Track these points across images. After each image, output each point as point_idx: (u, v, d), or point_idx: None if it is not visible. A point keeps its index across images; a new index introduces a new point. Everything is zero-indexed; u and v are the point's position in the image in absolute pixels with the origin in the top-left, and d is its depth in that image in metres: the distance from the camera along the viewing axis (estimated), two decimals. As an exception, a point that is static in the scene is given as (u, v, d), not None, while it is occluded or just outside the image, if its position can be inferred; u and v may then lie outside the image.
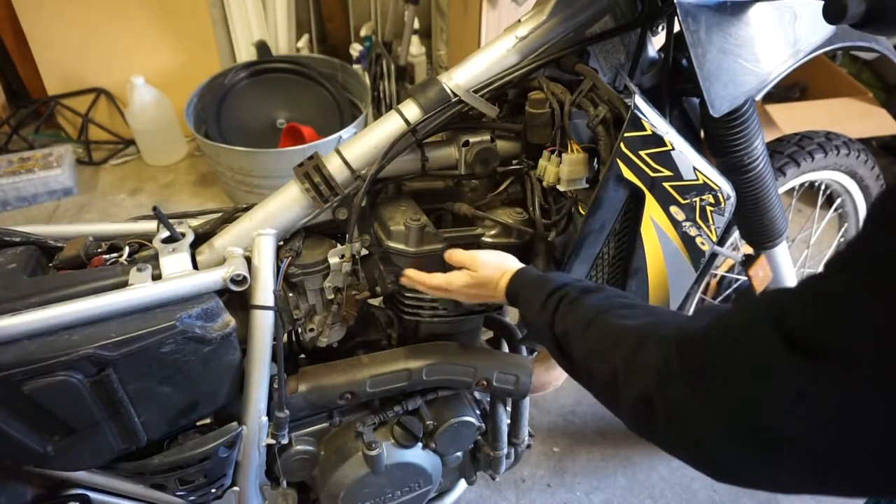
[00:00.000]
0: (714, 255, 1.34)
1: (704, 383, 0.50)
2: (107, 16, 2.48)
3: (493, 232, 0.99)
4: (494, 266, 0.90)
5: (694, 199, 0.90)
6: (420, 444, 1.11)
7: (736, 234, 1.36)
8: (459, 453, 1.20)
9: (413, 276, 0.94)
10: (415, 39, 2.62)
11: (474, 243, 1.00)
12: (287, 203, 0.94)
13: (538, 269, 1.02)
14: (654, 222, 0.90)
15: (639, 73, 1.02)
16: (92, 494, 0.93)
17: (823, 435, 0.42)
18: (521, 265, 0.90)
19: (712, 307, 0.67)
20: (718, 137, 1.03)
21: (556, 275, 0.81)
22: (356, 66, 2.70)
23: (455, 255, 0.94)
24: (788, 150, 1.34)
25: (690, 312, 1.49)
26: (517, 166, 1.01)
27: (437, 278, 0.93)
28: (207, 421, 1.00)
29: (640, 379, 0.56)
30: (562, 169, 0.91)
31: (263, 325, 0.91)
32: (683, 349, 0.53)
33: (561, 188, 0.92)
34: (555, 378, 1.14)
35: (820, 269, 1.70)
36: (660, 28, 0.99)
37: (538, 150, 0.96)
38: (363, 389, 1.02)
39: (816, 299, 0.44)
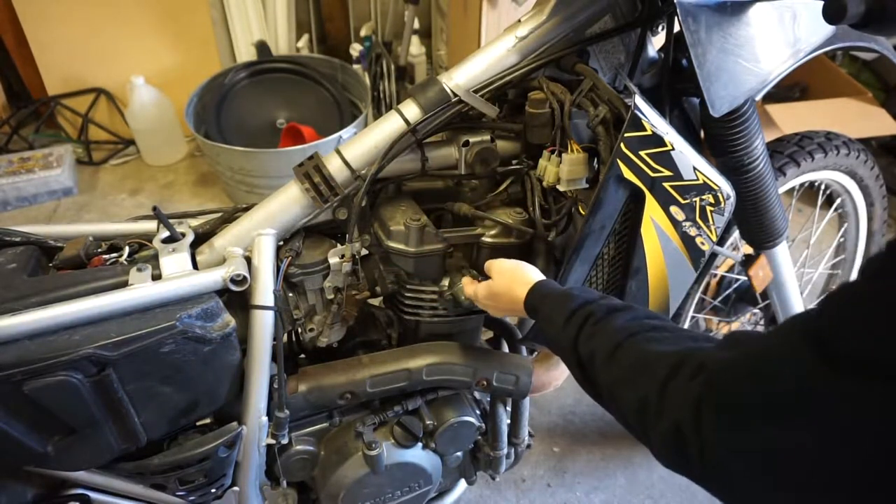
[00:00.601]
0: (714, 255, 1.34)
1: (740, 419, 0.47)
2: (107, 16, 2.48)
3: (493, 232, 0.99)
4: (509, 276, 0.87)
5: (694, 199, 0.90)
6: (420, 444, 1.11)
7: (736, 234, 1.36)
8: (459, 453, 1.20)
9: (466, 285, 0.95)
10: (415, 39, 2.62)
11: (474, 243, 1.01)
12: (287, 203, 0.94)
13: (538, 269, 1.02)
14: (654, 222, 0.90)
15: (639, 73, 1.02)
16: (92, 494, 0.93)
17: (880, 462, 0.38)
18: (539, 277, 0.86)
19: (743, 332, 0.65)
20: (718, 137, 1.03)
21: (578, 290, 0.78)
22: (356, 66, 2.70)
23: (488, 263, 0.93)
24: (788, 150, 1.34)
25: (690, 313, 1.49)
26: (517, 166, 1.01)
27: (469, 288, 0.94)
28: (207, 421, 1.00)
29: (673, 410, 0.54)
30: (562, 169, 0.91)
31: (263, 325, 0.91)
32: (717, 382, 0.51)
33: (561, 188, 0.92)
34: (555, 378, 1.14)
35: (820, 269, 1.70)
36: (660, 28, 0.99)
37: (538, 150, 0.96)
38: (363, 389, 1.02)
39: (856, 309, 0.41)
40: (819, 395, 0.41)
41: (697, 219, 0.92)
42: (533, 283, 0.83)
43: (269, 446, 1.01)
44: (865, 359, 0.39)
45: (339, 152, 0.93)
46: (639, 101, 0.83)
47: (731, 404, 0.49)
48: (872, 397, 0.38)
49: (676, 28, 0.94)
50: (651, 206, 0.89)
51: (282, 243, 0.97)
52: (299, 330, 1.03)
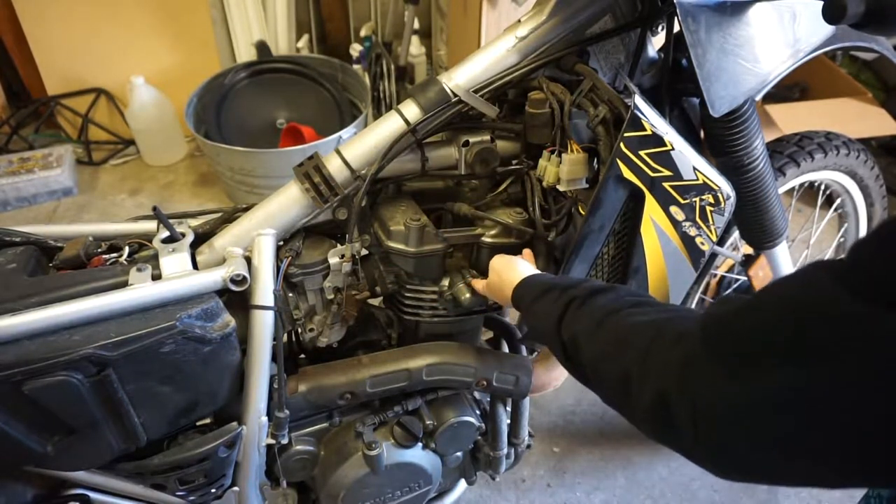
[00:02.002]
0: (714, 255, 1.34)
1: (742, 360, 0.44)
2: (107, 16, 2.48)
3: (493, 232, 0.99)
4: (498, 272, 0.88)
5: (694, 199, 0.90)
6: (420, 444, 1.11)
7: (736, 234, 1.36)
8: (459, 453, 1.20)
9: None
10: (415, 39, 2.63)
11: (474, 243, 1.01)
12: (287, 203, 0.94)
13: (538, 268, 1.02)
14: (654, 222, 0.90)
15: (639, 73, 1.02)
16: (92, 494, 0.93)
17: None
18: (529, 272, 0.86)
19: (732, 295, 0.63)
20: (718, 137, 1.03)
21: (561, 279, 0.78)
22: (356, 66, 2.70)
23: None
24: (788, 150, 1.34)
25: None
26: (517, 166, 1.01)
27: (477, 285, 0.96)
28: (207, 421, 1.00)
29: (657, 377, 0.53)
30: (562, 169, 0.91)
31: (263, 325, 0.91)
32: (712, 331, 0.49)
33: (561, 188, 0.92)
34: (555, 378, 1.14)
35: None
36: (660, 28, 0.99)
37: (538, 150, 0.96)
38: (363, 389, 1.02)
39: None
40: (856, 329, 0.38)
41: (697, 219, 0.92)
42: (520, 280, 0.84)
43: (269, 446, 1.01)
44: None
45: (339, 152, 0.93)
46: (639, 101, 0.83)
47: (727, 348, 0.47)
48: None
49: (676, 28, 0.94)
50: (651, 206, 0.89)
51: (282, 243, 0.97)
52: (299, 330, 1.03)
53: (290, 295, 0.99)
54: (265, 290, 0.90)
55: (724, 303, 0.54)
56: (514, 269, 0.88)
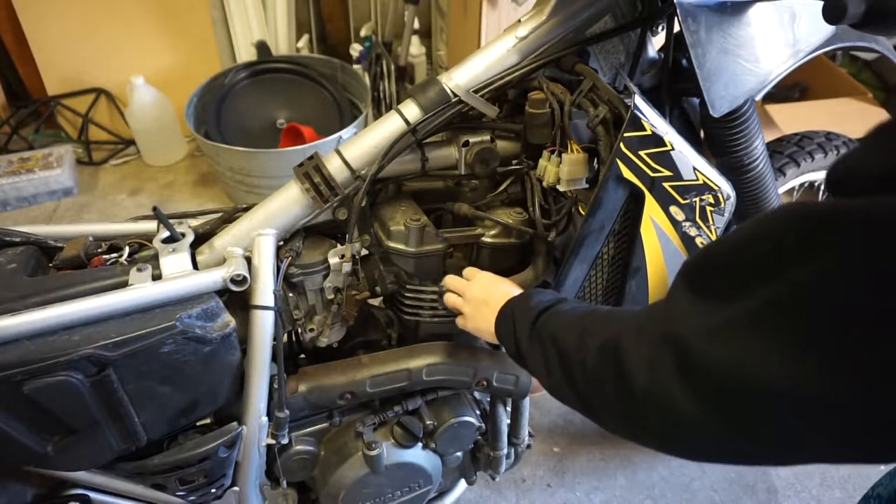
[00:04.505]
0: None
1: (728, 282, 0.42)
2: (107, 16, 2.48)
3: (493, 232, 0.99)
4: (479, 302, 0.88)
5: (694, 199, 0.90)
6: (420, 444, 1.11)
7: (736, 234, 1.36)
8: (459, 453, 1.20)
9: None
10: (415, 39, 2.62)
11: (474, 243, 1.00)
12: (287, 203, 0.94)
13: (538, 269, 1.02)
14: (654, 222, 0.90)
15: (639, 73, 1.02)
16: (92, 494, 0.93)
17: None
18: (513, 295, 0.84)
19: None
20: (718, 137, 1.03)
21: (539, 299, 0.78)
22: (356, 66, 2.70)
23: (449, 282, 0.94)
24: (788, 150, 1.34)
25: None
26: (517, 166, 1.00)
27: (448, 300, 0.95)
28: (207, 421, 1.00)
29: (612, 325, 0.52)
30: (562, 169, 0.91)
31: (263, 325, 0.91)
32: (692, 270, 0.48)
33: (561, 188, 0.92)
34: (555, 378, 1.14)
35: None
36: (660, 28, 0.99)
37: (538, 150, 0.96)
38: (363, 389, 1.02)
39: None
40: (833, 221, 0.37)
41: (697, 219, 0.91)
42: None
43: (269, 446, 1.01)
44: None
45: (339, 152, 0.93)
46: (638, 101, 0.83)
47: (715, 280, 0.45)
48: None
49: (676, 28, 0.94)
50: (651, 206, 0.89)
51: (282, 243, 0.97)
52: (299, 330, 1.03)
53: (290, 295, 0.99)
54: (265, 290, 0.90)
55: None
56: (493, 294, 0.87)
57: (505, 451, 1.19)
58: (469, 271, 0.94)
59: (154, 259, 0.89)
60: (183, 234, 0.91)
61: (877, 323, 0.35)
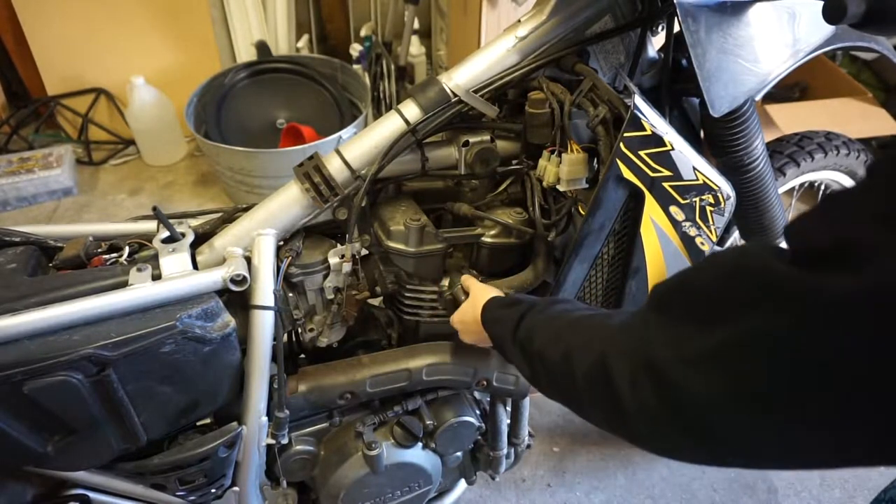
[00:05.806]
0: (714, 255, 1.34)
1: (690, 315, 0.46)
2: (107, 16, 2.48)
3: (493, 232, 0.99)
4: (467, 312, 0.89)
5: (694, 199, 0.90)
6: (420, 444, 1.11)
7: (736, 234, 1.36)
8: (459, 453, 1.20)
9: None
10: (415, 39, 2.62)
11: (474, 243, 1.00)
12: (287, 203, 0.94)
13: (538, 269, 1.02)
14: (654, 222, 0.90)
15: (639, 73, 1.02)
16: (92, 494, 0.93)
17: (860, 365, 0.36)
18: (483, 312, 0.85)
19: None
20: (718, 137, 1.03)
21: (520, 304, 0.79)
22: (356, 66, 2.70)
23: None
24: (788, 150, 1.34)
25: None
26: (517, 166, 1.01)
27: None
28: (207, 421, 1.00)
29: (596, 344, 0.54)
30: (562, 169, 0.91)
31: (263, 325, 0.91)
32: (661, 297, 0.50)
33: (561, 188, 0.92)
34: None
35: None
36: (660, 28, 0.99)
37: (538, 150, 0.96)
38: (363, 389, 1.02)
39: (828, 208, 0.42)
40: (785, 285, 0.40)
41: (697, 219, 0.92)
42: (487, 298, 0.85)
43: (269, 446, 1.01)
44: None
45: (339, 152, 0.93)
46: (638, 101, 0.83)
47: (673, 307, 0.48)
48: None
49: (676, 28, 0.94)
50: (651, 206, 0.89)
51: (282, 243, 0.97)
52: (299, 330, 1.03)
53: (290, 295, 0.99)
54: (265, 290, 0.90)
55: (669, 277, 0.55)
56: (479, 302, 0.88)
57: (505, 451, 1.19)
58: (465, 283, 0.96)
59: (154, 259, 0.89)
60: (183, 234, 0.91)
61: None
